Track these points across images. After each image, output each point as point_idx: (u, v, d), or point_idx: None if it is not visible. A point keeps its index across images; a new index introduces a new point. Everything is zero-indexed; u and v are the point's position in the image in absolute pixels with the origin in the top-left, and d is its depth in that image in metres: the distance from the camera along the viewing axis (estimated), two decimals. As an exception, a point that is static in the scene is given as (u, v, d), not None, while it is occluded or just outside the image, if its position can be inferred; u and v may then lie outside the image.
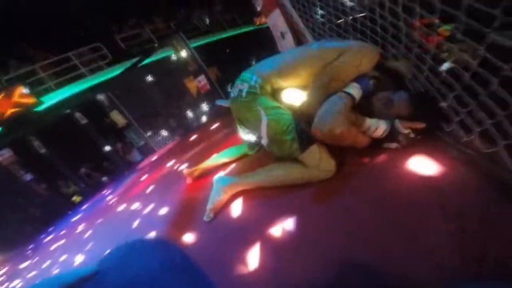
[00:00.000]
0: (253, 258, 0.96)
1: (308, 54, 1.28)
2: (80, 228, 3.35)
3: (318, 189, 1.14)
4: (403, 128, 1.08)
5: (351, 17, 1.35)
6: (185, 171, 1.96)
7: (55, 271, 2.26)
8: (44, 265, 2.72)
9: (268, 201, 1.27)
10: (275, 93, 1.30)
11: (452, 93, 0.93)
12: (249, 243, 1.04)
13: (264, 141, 1.30)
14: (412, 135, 1.09)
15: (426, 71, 1.06)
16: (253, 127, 1.32)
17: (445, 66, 1.50)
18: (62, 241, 3.33)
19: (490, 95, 0.76)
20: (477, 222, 0.68)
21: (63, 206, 6.65)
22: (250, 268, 0.93)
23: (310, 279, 0.78)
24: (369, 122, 1.13)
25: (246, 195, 1.40)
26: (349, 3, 1.36)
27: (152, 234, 1.63)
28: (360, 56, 1.18)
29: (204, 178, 1.96)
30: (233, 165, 1.86)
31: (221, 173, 1.55)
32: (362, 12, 1.32)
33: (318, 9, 1.60)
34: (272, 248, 0.97)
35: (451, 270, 0.62)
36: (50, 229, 5.30)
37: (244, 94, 1.30)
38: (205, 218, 1.37)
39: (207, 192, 1.49)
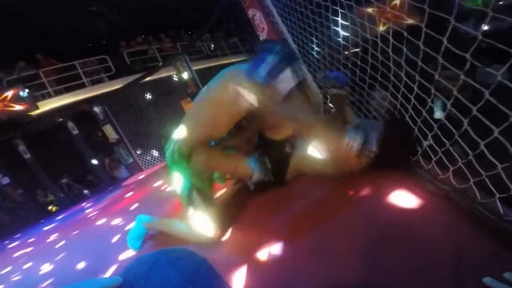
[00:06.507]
0: (237, 281, 0.95)
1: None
2: (52, 237, 3.18)
3: (304, 216, 1.18)
4: None
5: (346, 52, 1.47)
6: None
7: (16, 278, 2.12)
8: (4, 271, 2.55)
9: (252, 225, 1.29)
10: None
11: (431, 133, 1.02)
12: (233, 267, 1.03)
13: None
14: None
15: (411, 111, 1.15)
16: None
17: (437, 109, 1.62)
18: (29, 249, 3.14)
19: (463, 136, 0.85)
20: (450, 249, 0.72)
21: (36, 214, 6.31)
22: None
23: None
24: None
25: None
26: (342, 42, 1.48)
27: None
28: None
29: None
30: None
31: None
32: (356, 48, 1.43)
33: (314, 46, 1.74)
34: (256, 272, 0.96)
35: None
36: (17, 235, 4.98)
37: None
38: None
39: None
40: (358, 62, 1.41)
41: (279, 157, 1.37)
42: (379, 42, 1.22)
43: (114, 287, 0.45)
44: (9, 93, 5.83)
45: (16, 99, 5.88)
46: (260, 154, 1.38)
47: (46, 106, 6.37)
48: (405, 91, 1.15)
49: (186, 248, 0.54)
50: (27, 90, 6.02)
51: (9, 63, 6.58)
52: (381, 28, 1.17)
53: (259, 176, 1.34)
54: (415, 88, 1.06)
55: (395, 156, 1.16)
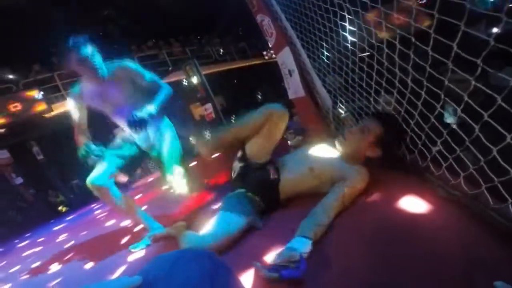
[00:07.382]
0: (248, 284, 0.94)
1: None
2: (62, 237, 3.23)
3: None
4: None
5: (356, 56, 1.46)
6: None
7: (24, 277, 2.16)
8: (12, 270, 2.59)
9: (261, 231, 1.26)
10: None
11: (440, 140, 1.00)
12: (239, 270, 1.01)
13: None
14: None
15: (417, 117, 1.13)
16: None
17: (448, 114, 1.59)
18: (38, 248, 3.19)
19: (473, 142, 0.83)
20: (461, 253, 0.72)
21: (47, 214, 6.43)
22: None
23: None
24: None
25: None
26: (350, 47, 1.47)
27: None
28: None
29: (200, 201, 2.00)
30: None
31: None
32: (365, 52, 1.42)
33: (324, 51, 1.74)
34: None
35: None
36: (27, 235, 5.07)
37: None
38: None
39: (203, 214, 1.62)
40: (365, 68, 1.40)
41: (266, 187, 1.35)
42: (385, 48, 1.21)
43: (135, 287, 0.45)
44: (26, 96, 6.02)
45: (32, 101, 6.06)
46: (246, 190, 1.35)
47: (60, 108, 6.54)
48: (412, 97, 1.13)
49: (205, 250, 0.56)
50: (42, 93, 6.20)
51: (26, 66, 6.79)
52: (389, 34, 1.15)
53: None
54: (423, 94, 1.05)
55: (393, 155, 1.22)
